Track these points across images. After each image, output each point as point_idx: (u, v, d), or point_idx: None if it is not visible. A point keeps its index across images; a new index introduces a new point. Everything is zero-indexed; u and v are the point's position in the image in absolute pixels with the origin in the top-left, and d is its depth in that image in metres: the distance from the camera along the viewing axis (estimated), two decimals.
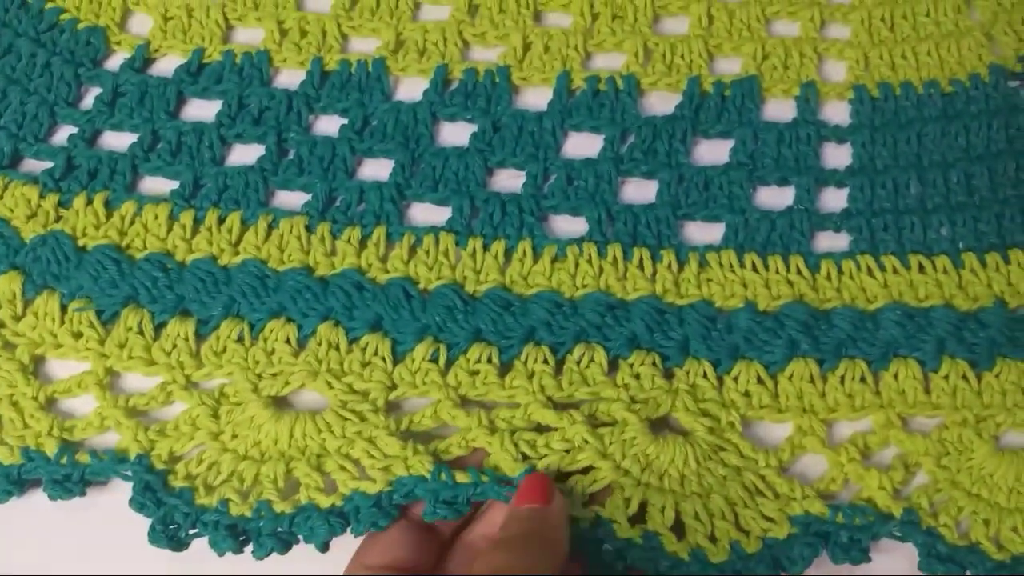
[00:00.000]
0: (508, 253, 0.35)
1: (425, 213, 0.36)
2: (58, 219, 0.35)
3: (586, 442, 0.31)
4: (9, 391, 0.33)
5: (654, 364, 0.33)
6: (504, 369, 0.33)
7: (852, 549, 0.30)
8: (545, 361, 0.33)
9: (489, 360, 0.33)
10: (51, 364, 0.34)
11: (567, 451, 0.31)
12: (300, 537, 0.30)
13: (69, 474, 0.31)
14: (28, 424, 0.32)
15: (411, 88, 0.38)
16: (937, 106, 0.38)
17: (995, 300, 0.34)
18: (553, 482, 0.30)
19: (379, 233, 0.35)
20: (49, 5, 0.39)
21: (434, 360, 0.33)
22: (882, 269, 0.35)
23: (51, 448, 0.32)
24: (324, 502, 0.30)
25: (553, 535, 0.28)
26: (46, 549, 0.32)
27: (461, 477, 0.30)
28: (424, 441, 0.31)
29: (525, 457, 0.31)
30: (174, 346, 0.33)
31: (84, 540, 0.32)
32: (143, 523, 0.30)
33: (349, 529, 0.30)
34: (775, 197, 0.37)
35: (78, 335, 0.34)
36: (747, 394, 0.33)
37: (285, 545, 0.30)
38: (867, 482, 0.32)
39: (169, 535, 0.30)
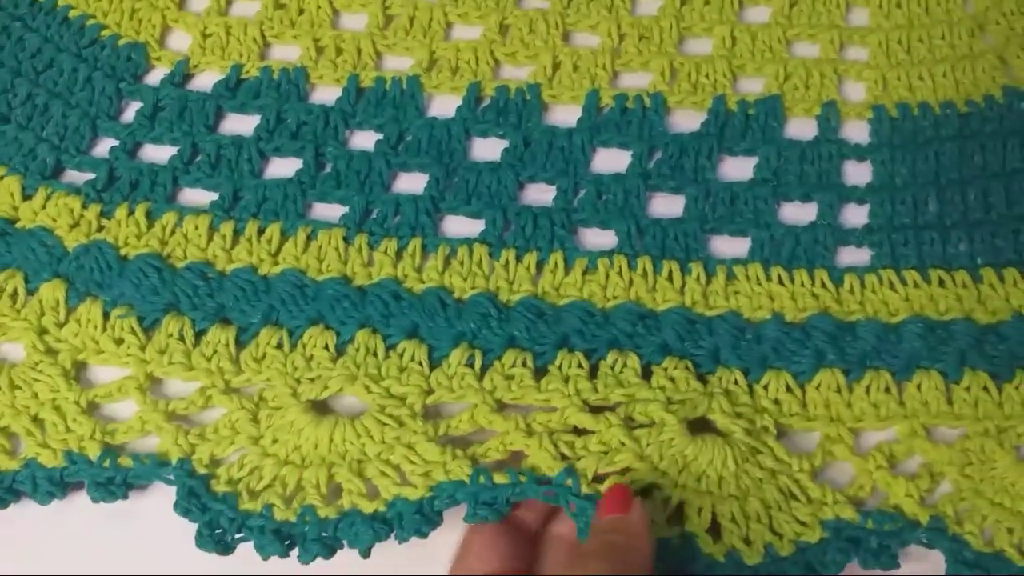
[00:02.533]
0: (540, 265, 0.36)
1: (459, 225, 0.37)
2: (100, 229, 0.36)
3: (623, 444, 0.32)
4: (52, 395, 0.33)
5: (687, 368, 0.34)
6: (539, 374, 0.34)
7: (882, 555, 0.31)
8: (580, 366, 0.33)
9: (524, 365, 0.34)
10: (93, 370, 0.35)
11: (605, 452, 0.32)
12: (344, 542, 0.30)
13: (112, 477, 0.32)
14: (71, 428, 0.33)
15: (444, 105, 0.39)
16: (954, 126, 0.39)
17: (1013, 314, 0.35)
18: (632, 491, 0.30)
19: (415, 244, 0.36)
20: (90, 22, 0.41)
21: (470, 365, 0.34)
22: (903, 283, 0.36)
23: (94, 451, 0.32)
24: (367, 507, 0.30)
25: (637, 543, 0.28)
26: (89, 551, 0.32)
27: (499, 479, 0.30)
28: (462, 446, 0.32)
29: (563, 457, 0.31)
30: (214, 352, 0.34)
31: (127, 542, 0.32)
32: (185, 526, 0.31)
33: (393, 535, 0.30)
34: (799, 213, 0.38)
35: (119, 341, 0.34)
36: (777, 402, 0.34)
37: (330, 550, 0.30)
38: (894, 489, 0.33)
39: (216, 539, 0.30)
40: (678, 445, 0.32)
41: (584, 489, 0.30)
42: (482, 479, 0.30)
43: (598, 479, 0.31)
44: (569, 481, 0.30)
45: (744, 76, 0.40)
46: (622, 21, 0.41)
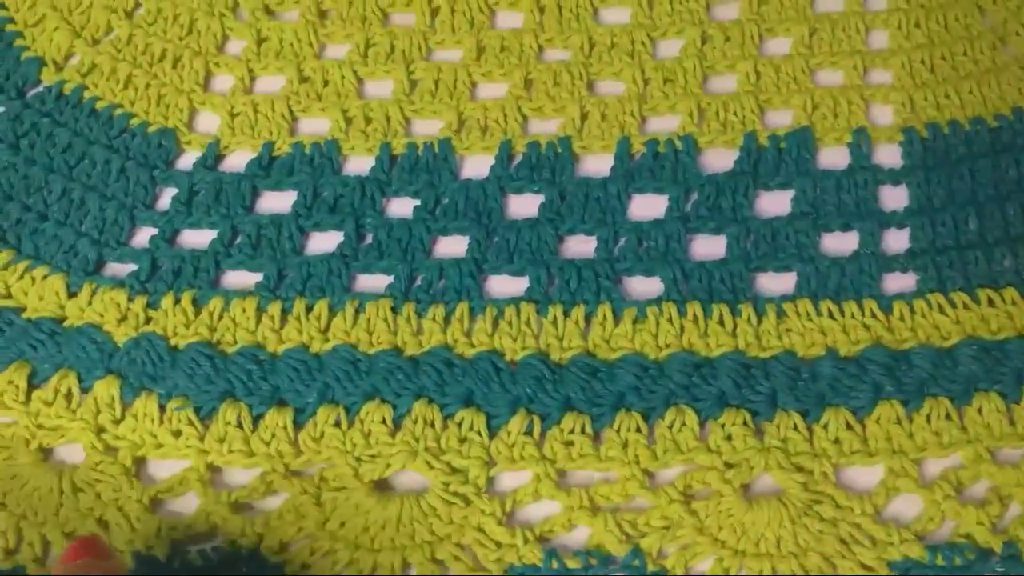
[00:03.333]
0: (588, 318, 0.36)
1: (503, 285, 0.37)
2: (148, 320, 0.36)
3: (683, 519, 0.32)
4: (114, 496, 0.33)
5: (745, 423, 0.34)
6: (597, 438, 0.34)
7: None
8: (638, 430, 0.33)
9: (583, 430, 0.34)
10: (152, 464, 0.35)
11: (666, 528, 0.32)
12: None
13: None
14: (135, 527, 0.33)
15: (477, 165, 0.39)
16: (985, 141, 0.39)
17: None
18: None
19: (462, 309, 0.36)
20: (118, 112, 0.41)
21: (528, 432, 0.34)
22: (952, 306, 0.36)
23: (161, 551, 0.32)
24: None
25: None
26: None
27: (571, 563, 0.31)
28: (529, 525, 0.32)
29: (627, 536, 0.32)
30: (273, 436, 0.34)
31: None
32: None
33: None
34: (840, 243, 0.38)
35: (178, 433, 0.34)
36: (837, 441, 0.34)
37: None
38: (964, 518, 0.32)
39: None
40: (736, 514, 0.32)
41: (650, 568, 0.31)
42: (555, 564, 0.31)
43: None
44: (636, 562, 0.31)
45: (772, 110, 0.40)
46: (645, 66, 0.41)
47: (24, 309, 0.37)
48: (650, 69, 0.41)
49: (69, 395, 0.35)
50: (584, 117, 0.40)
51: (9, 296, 0.37)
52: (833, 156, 0.39)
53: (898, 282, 0.37)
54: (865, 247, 0.37)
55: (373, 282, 0.37)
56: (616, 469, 0.33)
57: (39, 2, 0.44)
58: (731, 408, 0.34)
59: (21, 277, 0.37)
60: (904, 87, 0.40)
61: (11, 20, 0.44)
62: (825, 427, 0.34)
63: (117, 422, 0.35)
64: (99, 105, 0.41)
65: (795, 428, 0.34)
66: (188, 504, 0.34)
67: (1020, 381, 0.34)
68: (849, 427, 0.34)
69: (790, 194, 0.39)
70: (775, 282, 0.37)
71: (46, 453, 0.35)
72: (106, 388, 0.35)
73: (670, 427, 0.34)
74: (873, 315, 0.36)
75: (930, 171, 0.38)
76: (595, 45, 0.42)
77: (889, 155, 0.39)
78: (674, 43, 0.42)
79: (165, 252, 0.38)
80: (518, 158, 0.40)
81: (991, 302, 0.36)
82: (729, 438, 0.34)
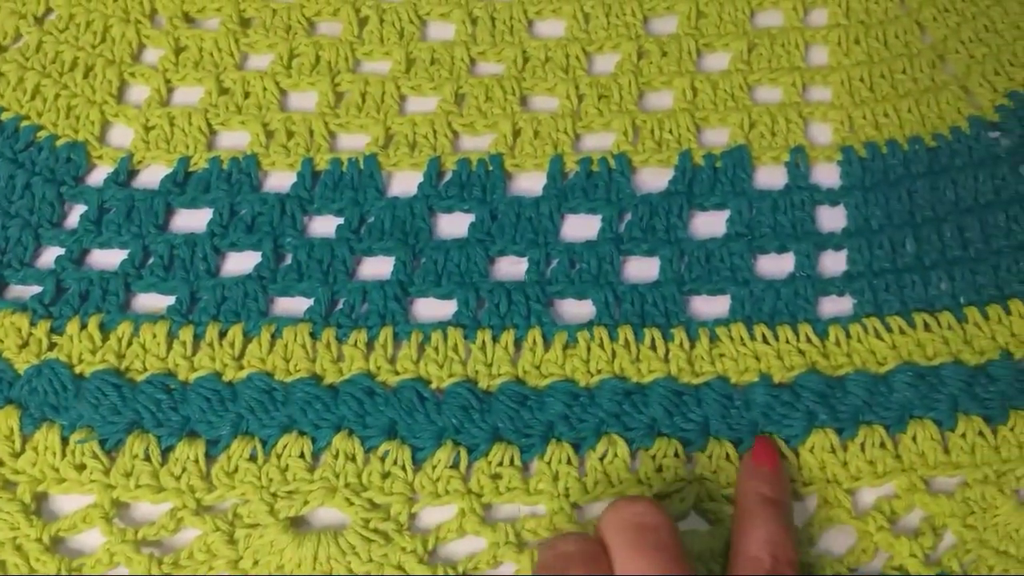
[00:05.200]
0: (518, 343, 0.35)
1: (430, 308, 0.36)
2: (52, 347, 0.34)
3: None
4: (12, 534, 0.31)
5: (676, 455, 0.33)
6: (526, 469, 0.32)
7: None
8: (568, 461, 0.32)
9: (511, 462, 0.32)
10: (54, 500, 0.33)
11: None
12: None
13: None
14: (34, 568, 0.31)
15: (404, 183, 0.38)
16: (923, 162, 0.38)
17: (1001, 352, 0.34)
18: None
19: (386, 334, 0.34)
20: (24, 124, 0.39)
21: (454, 466, 0.32)
22: (888, 330, 0.35)
23: None
24: None
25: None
26: None
27: None
28: (451, 562, 0.31)
29: None
30: (183, 470, 0.32)
31: None
32: None
33: None
34: (776, 265, 0.37)
35: (81, 467, 0.32)
36: None
37: None
38: (897, 550, 0.32)
39: None
40: None
41: None
42: None
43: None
44: None
45: (708, 128, 0.39)
46: (580, 81, 0.40)
47: None
48: (584, 85, 0.40)
49: None
50: (516, 134, 0.39)
51: None
52: (770, 176, 0.38)
53: (835, 305, 0.36)
54: (801, 269, 0.36)
55: (292, 305, 0.36)
56: (546, 503, 0.32)
57: None
58: (662, 437, 0.33)
59: None
60: (843, 105, 0.40)
61: None
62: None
63: (16, 455, 0.33)
64: (3, 116, 0.39)
65: (727, 457, 0.33)
66: (92, 542, 0.32)
67: (955, 408, 0.34)
68: (782, 456, 0.33)
69: (725, 215, 0.38)
70: (709, 305, 0.36)
71: None
72: (4, 419, 0.33)
73: (601, 458, 0.32)
74: (808, 340, 0.35)
75: (868, 191, 0.38)
76: (529, 59, 0.40)
77: (828, 175, 0.38)
78: (610, 58, 0.41)
79: (72, 273, 0.35)
80: (447, 175, 0.38)
81: (927, 326, 0.35)
82: (660, 469, 0.33)
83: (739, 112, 0.39)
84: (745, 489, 0.31)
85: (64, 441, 0.33)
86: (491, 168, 0.38)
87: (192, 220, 0.37)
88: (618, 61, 0.40)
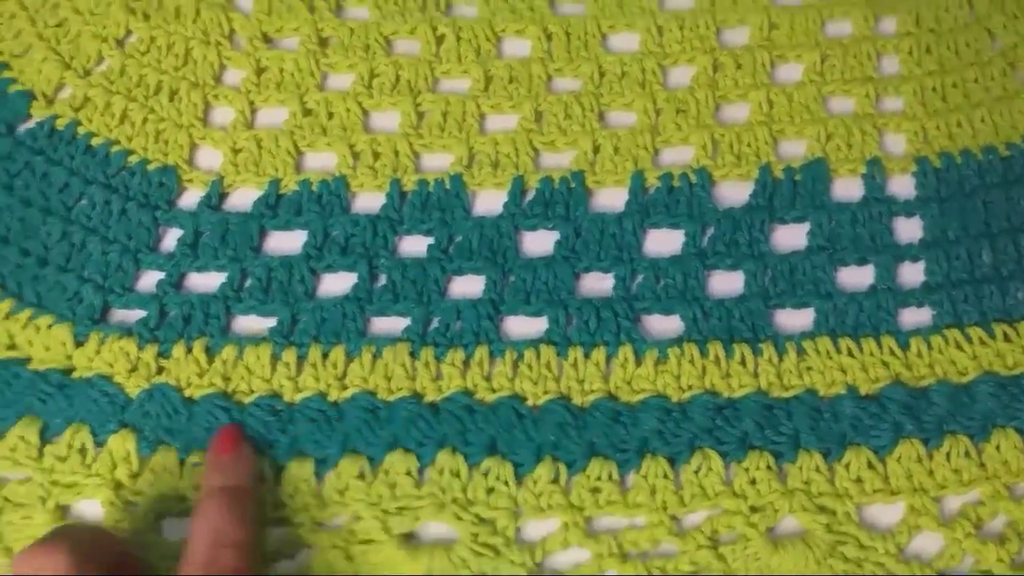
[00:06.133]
0: (608, 359, 0.36)
1: (520, 326, 0.37)
2: (160, 371, 0.35)
3: (711, 563, 0.32)
4: (140, 554, 0.33)
5: (768, 467, 0.34)
6: (623, 483, 0.34)
7: None
8: (665, 476, 0.33)
9: (610, 477, 0.34)
10: (167, 521, 0.34)
11: (695, 573, 0.32)
12: None
13: None
14: None
15: (488, 201, 0.39)
16: (998, 172, 0.39)
17: None
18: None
19: (482, 352, 0.36)
20: (115, 149, 0.39)
21: (555, 481, 0.34)
22: (969, 341, 0.36)
23: None
24: None
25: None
26: None
27: None
28: (557, 570, 0.32)
29: None
30: (296, 489, 0.34)
31: None
32: None
33: None
34: (856, 277, 0.38)
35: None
36: (859, 480, 0.34)
37: None
38: (984, 555, 0.33)
39: None
40: (763, 557, 0.32)
41: None
42: None
43: None
44: None
45: (785, 140, 0.40)
46: (657, 96, 0.40)
47: (30, 360, 0.36)
48: (662, 99, 0.40)
49: (83, 450, 0.34)
50: (596, 150, 0.39)
51: (14, 347, 0.36)
52: (848, 188, 0.39)
53: (914, 317, 0.37)
54: (881, 281, 0.37)
55: (387, 325, 0.37)
56: (645, 517, 0.33)
57: (24, 31, 0.42)
58: (754, 450, 0.34)
59: (25, 327, 0.36)
60: (916, 115, 0.40)
61: None
62: (847, 467, 0.34)
63: (134, 476, 0.34)
64: (95, 142, 0.39)
65: (817, 469, 0.34)
66: None
67: None
68: (871, 466, 0.34)
69: (804, 227, 0.38)
70: (793, 318, 0.37)
71: (63, 511, 0.34)
72: (121, 442, 0.34)
73: (696, 471, 0.34)
74: (891, 352, 0.36)
75: (943, 203, 0.39)
76: (605, 74, 0.41)
77: (903, 186, 0.39)
78: (685, 71, 0.41)
79: (173, 298, 0.37)
80: (530, 193, 0.39)
81: (1006, 337, 0.36)
82: (753, 482, 0.34)
83: (815, 124, 0.40)
84: (202, 484, 0.32)
85: (181, 463, 0.34)
86: (573, 185, 0.39)
87: (284, 243, 0.38)
88: (694, 74, 0.41)
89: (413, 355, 0.36)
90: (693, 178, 0.39)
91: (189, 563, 0.29)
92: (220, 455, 0.33)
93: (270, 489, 0.33)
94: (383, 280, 0.37)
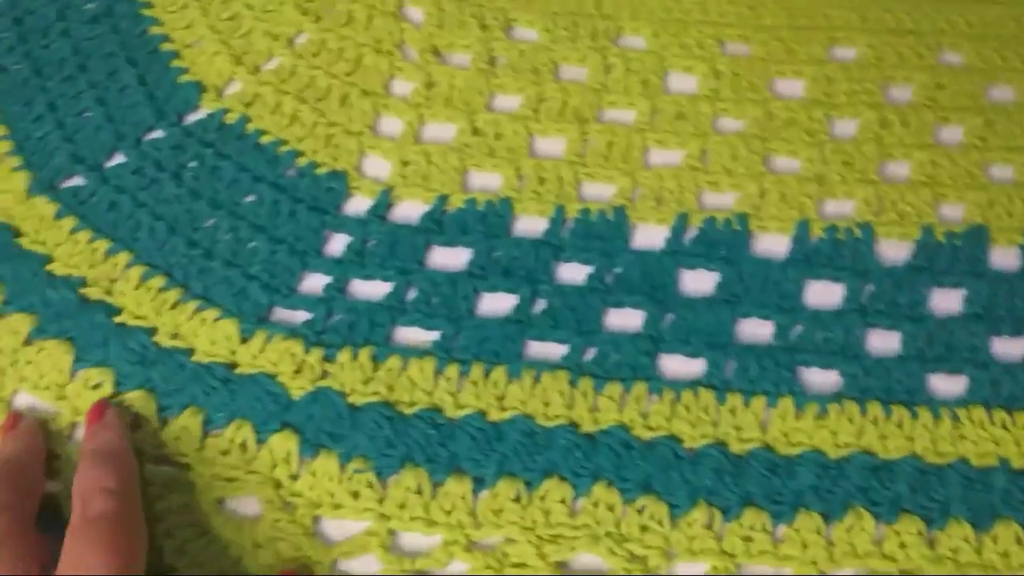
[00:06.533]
0: (767, 409, 0.36)
1: (677, 365, 0.37)
2: (324, 375, 0.36)
3: None
4: (295, 554, 0.34)
5: (919, 533, 0.34)
6: (774, 535, 0.34)
7: None
8: (818, 531, 0.34)
9: (763, 528, 0.34)
10: (323, 523, 0.35)
11: None
12: None
13: None
14: None
15: (647, 236, 0.39)
16: None
17: None
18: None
19: (640, 388, 0.36)
20: (284, 148, 0.40)
21: (709, 526, 0.34)
22: None
23: None
24: None
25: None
26: None
27: None
28: None
29: None
30: (453, 506, 0.34)
31: None
32: None
33: None
34: (1009, 348, 0.38)
35: (356, 494, 0.34)
36: (1006, 555, 0.34)
37: None
38: None
39: None
40: None
41: None
42: None
43: None
44: None
45: (945, 203, 0.40)
46: (824, 147, 0.40)
47: (193, 352, 0.36)
48: (829, 150, 0.40)
49: (244, 446, 0.35)
50: (762, 195, 0.40)
51: (177, 336, 0.37)
52: (1003, 256, 0.39)
53: None
54: None
55: (543, 350, 0.37)
56: (793, 568, 0.34)
57: (196, 22, 0.43)
58: (906, 514, 0.34)
59: (191, 318, 0.37)
60: None
61: (167, 38, 0.43)
62: (995, 539, 0.34)
63: (293, 478, 0.35)
64: (264, 140, 0.40)
65: (965, 539, 0.34)
66: (365, 568, 0.34)
67: None
68: (1018, 541, 0.34)
69: (959, 292, 0.39)
70: (947, 384, 0.37)
71: (218, 503, 0.35)
72: (283, 442, 0.35)
73: (848, 530, 0.34)
74: None
75: None
76: (772, 118, 0.41)
77: None
78: (849, 123, 0.42)
79: (340, 303, 0.37)
80: (691, 231, 0.39)
81: None
82: (903, 546, 0.34)
83: (977, 190, 0.40)
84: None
85: (341, 468, 0.35)
86: (737, 228, 0.39)
87: (446, 258, 0.39)
88: (859, 127, 0.41)
89: (572, 384, 0.36)
90: (858, 232, 0.39)
91: (72, 518, 0.31)
92: (89, 425, 0.35)
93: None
94: (541, 305, 0.38)
